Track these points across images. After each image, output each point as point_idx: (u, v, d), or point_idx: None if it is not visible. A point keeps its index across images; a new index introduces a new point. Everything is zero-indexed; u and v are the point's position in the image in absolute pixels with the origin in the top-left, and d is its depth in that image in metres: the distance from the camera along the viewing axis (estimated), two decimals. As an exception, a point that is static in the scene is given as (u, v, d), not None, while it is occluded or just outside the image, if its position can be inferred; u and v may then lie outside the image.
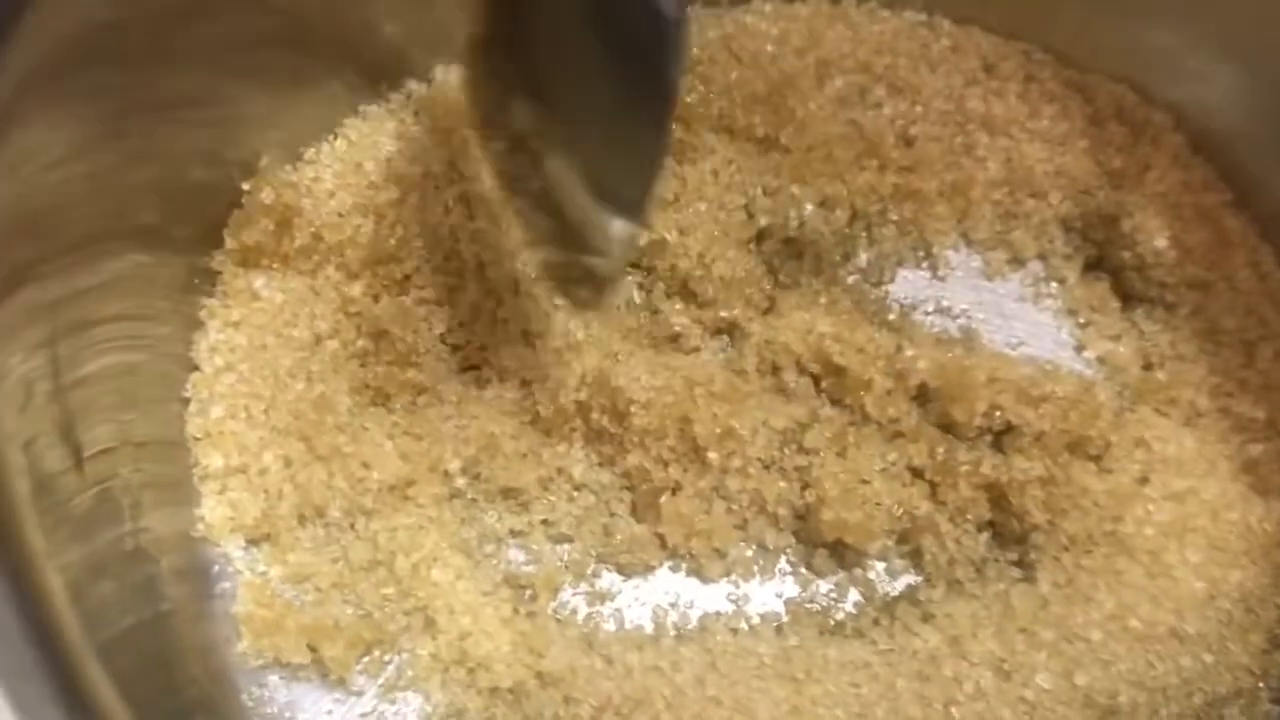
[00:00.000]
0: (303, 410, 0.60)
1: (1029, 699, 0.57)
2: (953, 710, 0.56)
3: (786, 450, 0.62)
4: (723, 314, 0.65)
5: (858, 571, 0.62)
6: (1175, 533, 0.60)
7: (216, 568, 0.59)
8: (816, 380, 0.64)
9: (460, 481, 0.61)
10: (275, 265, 0.63)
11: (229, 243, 0.62)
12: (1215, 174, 0.68)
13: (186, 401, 0.61)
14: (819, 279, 0.68)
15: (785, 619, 0.61)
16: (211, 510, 0.59)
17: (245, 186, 0.62)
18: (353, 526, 0.60)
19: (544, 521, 0.62)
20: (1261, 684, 0.60)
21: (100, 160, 0.55)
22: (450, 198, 0.64)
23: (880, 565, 0.62)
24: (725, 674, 0.57)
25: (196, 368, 0.62)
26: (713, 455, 0.61)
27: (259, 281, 0.62)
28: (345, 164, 0.65)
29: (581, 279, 0.56)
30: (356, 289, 0.63)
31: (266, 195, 0.62)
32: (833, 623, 0.61)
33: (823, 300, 0.67)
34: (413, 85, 0.68)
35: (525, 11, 0.51)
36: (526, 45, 0.52)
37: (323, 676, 0.58)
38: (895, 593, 0.62)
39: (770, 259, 0.67)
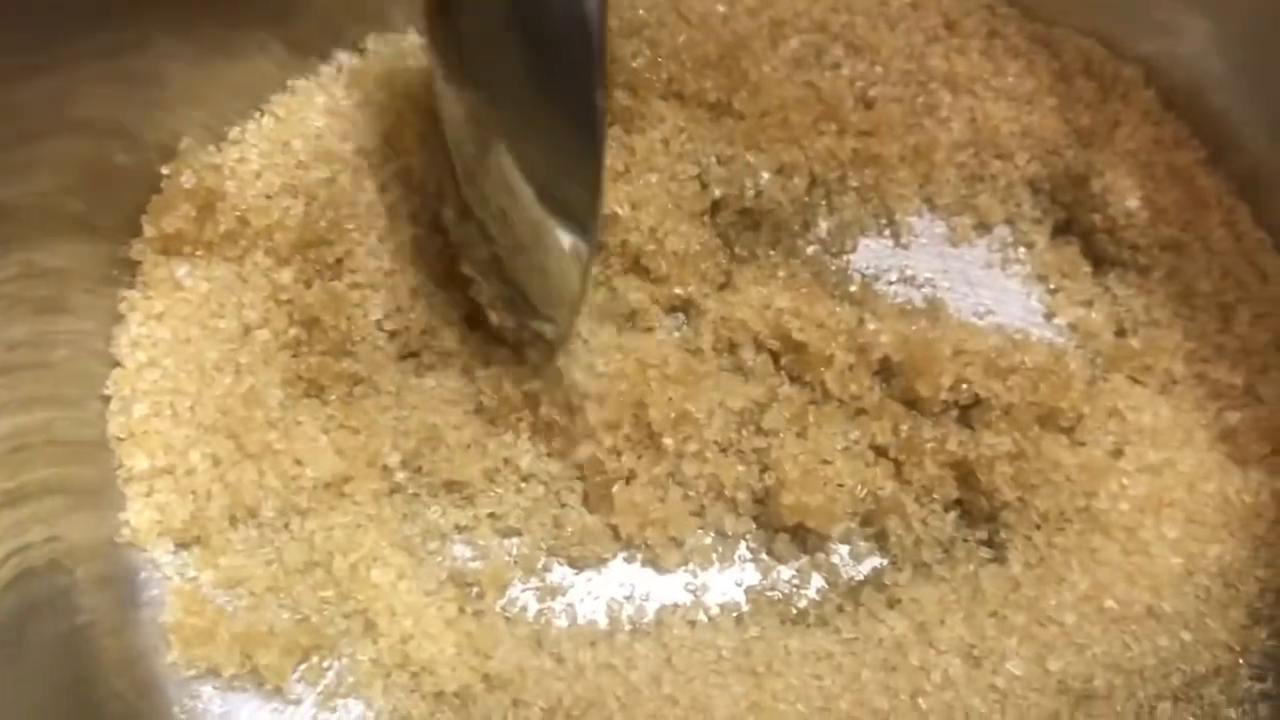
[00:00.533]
0: (231, 406, 0.57)
1: (1000, 686, 0.54)
2: (920, 701, 0.54)
3: (744, 432, 0.60)
4: (677, 291, 0.62)
5: (820, 556, 0.59)
6: (1151, 507, 0.57)
7: (143, 574, 0.57)
8: (775, 357, 0.62)
9: (400, 476, 0.58)
10: (199, 253, 0.60)
11: (148, 230, 0.59)
12: (1187, 130, 0.65)
13: (108, 400, 0.58)
14: (777, 250, 0.65)
15: (745, 608, 0.58)
16: (137, 514, 0.57)
17: (165, 171, 0.59)
18: (287, 527, 0.57)
19: (490, 515, 0.59)
20: (1242, 661, 0.58)
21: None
22: (385, 175, 0.61)
23: (844, 549, 0.60)
24: (682, 670, 0.54)
25: (118, 364, 0.58)
26: (668, 441, 0.58)
27: (181, 270, 0.59)
28: (272, 143, 0.62)
29: (532, 341, 0.57)
30: (286, 275, 0.60)
31: (187, 179, 0.58)
32: (795, 611, 0.58)
33: (781, 274, 0.64)
34: (343, 57, 0.65)
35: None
36: (465, 35, 0.51)
37: (259, 685, 0.55)
38: (860, 577, 0.59)
39: (725, 231, 0.64)
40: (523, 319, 0.57)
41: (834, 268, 0.65)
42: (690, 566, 0.59)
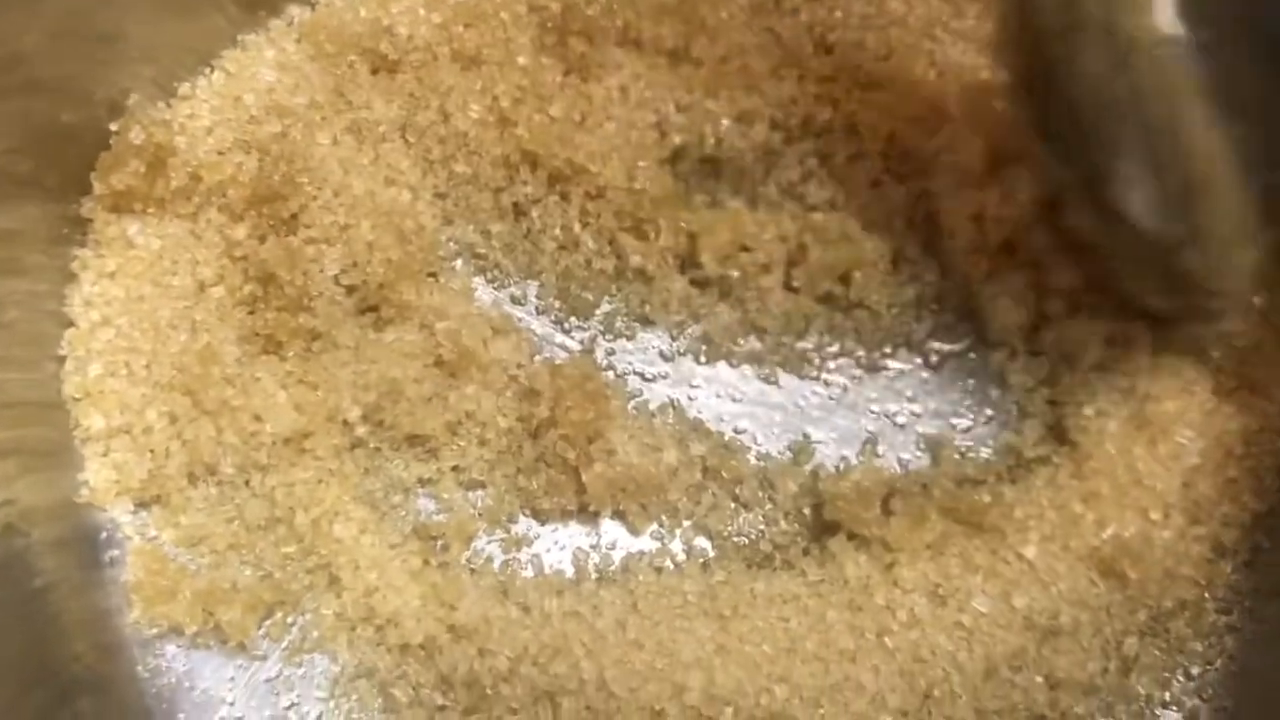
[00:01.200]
0: (187, 363, 0.57)
1: (965, 624, 0.54)
2: (886, 640, 0.54)
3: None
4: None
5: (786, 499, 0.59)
6: (1124, 443, 0.57)
7: (103, 535, 0.56)
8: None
9: (361, 430, 0.58)
10: (150, 210, 0.59)
11: (98, 188, 0.58)
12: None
13: (63, 360, 0.57)
14: (739, 198, 0.64)
15: (712, 554, 0.58)
16: (95, 474, 0.56)
17: (114, 128, 0.58)
18: (248, 484, 0.57)
19: (454, 468, 0.58)
20: (1207, 594, 0.58)
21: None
22: (338, 128, 0.61)
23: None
24: (647, 615, 0.54)
25: (72, 323, 0.58)
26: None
27: (133, 228, 0.58)
28: (223, 98, 0.61)
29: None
30: (240, 231, 0.59)
31: (136, 135, 0.58)
32: (761, 555, 0.58)
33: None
34: (294, 10, 0.64)
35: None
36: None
37: (222, 642, 0.55)
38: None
39: (687, 179, 0.64)
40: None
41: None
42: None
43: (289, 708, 0.55)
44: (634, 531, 0.59)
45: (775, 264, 0.61)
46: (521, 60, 0.62)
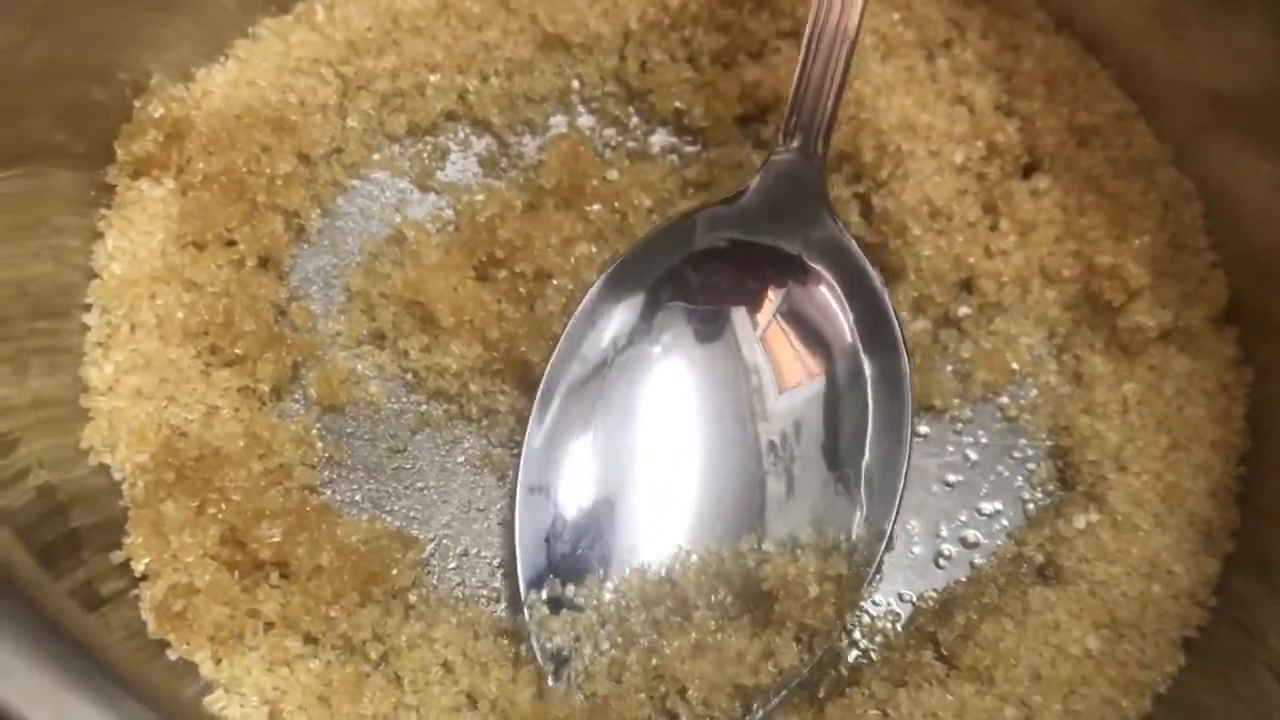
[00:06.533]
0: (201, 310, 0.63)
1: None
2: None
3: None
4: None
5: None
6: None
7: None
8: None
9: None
10: (169, 175, 0.65)
11: (121, 155, 0.64)
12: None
13: (88, 308, 0.63)
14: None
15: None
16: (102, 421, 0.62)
17: (137, 103, 0.65)
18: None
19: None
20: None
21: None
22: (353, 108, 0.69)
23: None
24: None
25: (97, 275, 0.64)
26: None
27: (153, 191, 0.65)
28: (235, 84, 0.68)
29: None
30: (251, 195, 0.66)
31: (155, 108, 0.64)
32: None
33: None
34: (301, 6, 0.71)
35: None
36: None
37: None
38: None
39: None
40: None
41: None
42: None
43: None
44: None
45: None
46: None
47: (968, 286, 0.67)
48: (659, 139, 0.72)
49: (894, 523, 0.59)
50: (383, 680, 0.58)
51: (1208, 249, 0.66)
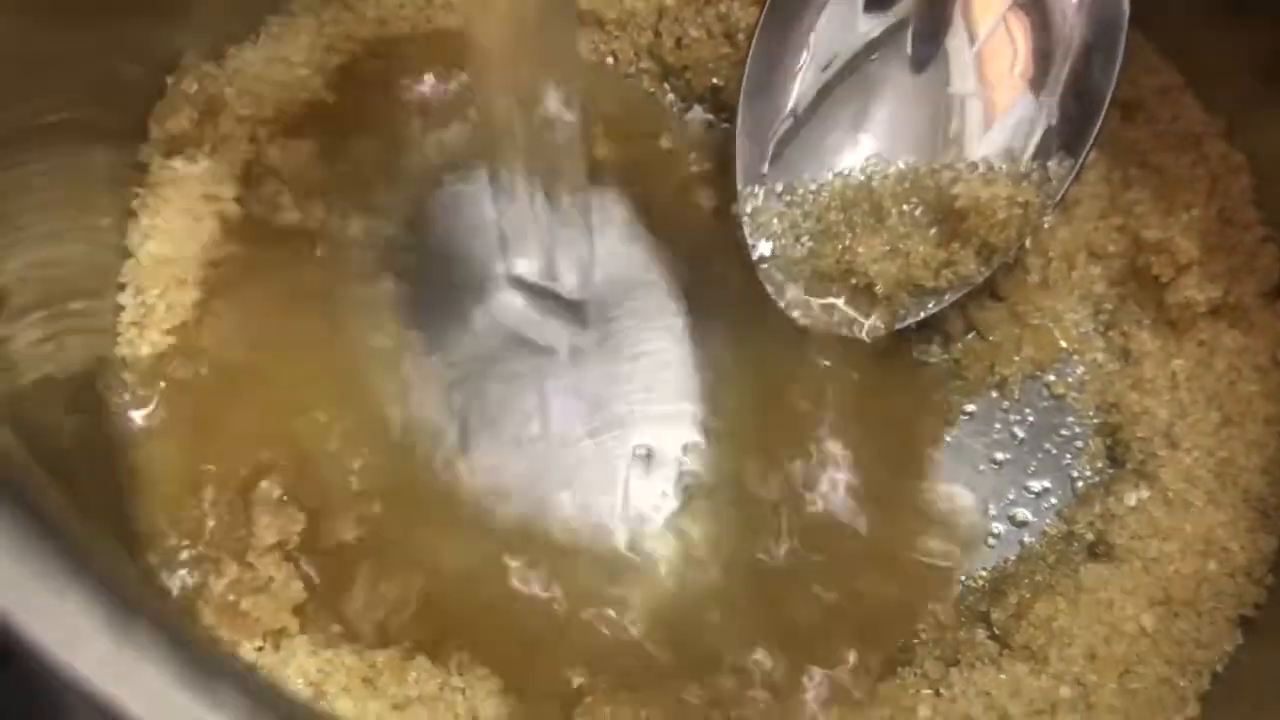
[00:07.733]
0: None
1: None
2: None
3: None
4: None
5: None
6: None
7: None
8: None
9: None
10: (202, 152, 0.64)
11: (154, 132, 0.63)
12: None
13: (122, 287, 0.63)
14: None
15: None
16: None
17: (169, 80, 0.64)
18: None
19: None
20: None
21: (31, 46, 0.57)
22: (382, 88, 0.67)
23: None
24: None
25: (131, 254, 0.63)
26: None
27: (186, 169, 0.64)
28: (269, 60, 0.67)
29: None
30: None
31: (189, 85, 0.64)
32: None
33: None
34: (335, -16, 0.70)
35: None
36: None
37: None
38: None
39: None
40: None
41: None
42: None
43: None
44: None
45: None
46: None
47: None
48: (695, 115, 0.71)
49: (1086, 156, 0.61)
50: (427, 661, 0.57)
51: (1258, 223, 0.65)
